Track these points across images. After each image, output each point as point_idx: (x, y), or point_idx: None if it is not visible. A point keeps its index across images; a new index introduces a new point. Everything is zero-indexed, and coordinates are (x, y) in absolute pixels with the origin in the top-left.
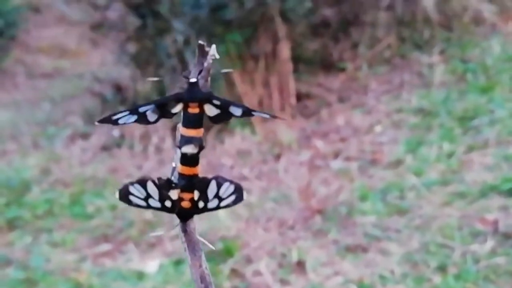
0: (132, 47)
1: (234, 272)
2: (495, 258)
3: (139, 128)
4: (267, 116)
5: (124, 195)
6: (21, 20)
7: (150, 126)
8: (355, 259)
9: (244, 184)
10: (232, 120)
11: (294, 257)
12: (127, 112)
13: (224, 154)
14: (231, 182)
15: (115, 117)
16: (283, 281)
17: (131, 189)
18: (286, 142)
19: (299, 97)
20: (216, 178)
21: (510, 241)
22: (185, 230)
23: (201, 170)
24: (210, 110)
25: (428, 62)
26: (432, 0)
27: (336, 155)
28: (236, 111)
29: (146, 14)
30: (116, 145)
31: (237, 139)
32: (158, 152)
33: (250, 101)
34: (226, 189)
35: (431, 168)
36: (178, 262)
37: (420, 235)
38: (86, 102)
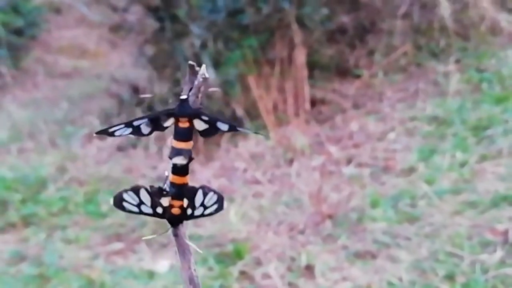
0: (150, 50)
1: (243, 274)
2: (504, 269)
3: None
4: (250, 132)
5: (118, 201)
6: (41, 20)
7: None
8: (364, 265)
9: (256, 188)
10: (246, 125)
11: (303, 261)
12: (122, 125)
13: (237, 157)
14: (215, 192)
15: (111, 130)
16: (291, 285)
17: (125, 196)
18: (299, 147)
19: (314, 102)
20: (202, 187)
21: None
22: (176, 234)
23: (190, 179)
24: (199, 125)
25: (443, 70)
26: (449, 9)
27: (348, 161)
28: (223, 126)
29: (164, 18)
30: (131, 146)
31: (251, 143)
32: None
33: (265, 106)
34: (210, 199)
35: (443, 177)
36: None
37: (429, 243)
38: (103, 102)
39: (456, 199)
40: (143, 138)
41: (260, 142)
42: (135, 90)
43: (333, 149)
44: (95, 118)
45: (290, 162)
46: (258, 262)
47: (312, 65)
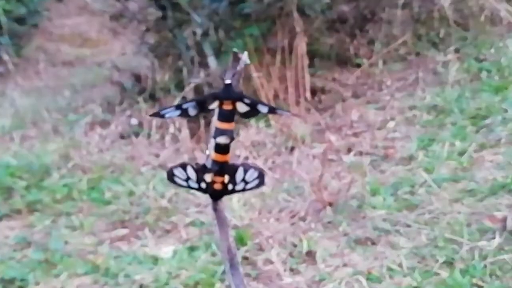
0: (151, 38)
1: (246, 260)
2: (502, 255)
3: (156, 118)
4: (289, 114)
5: (170, 176)
6: (43, 8)
7: None
8: (364, 252)
9: None
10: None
11: (305, 247)
12: (173, 108)
13: (239, 145)
14: (255, 168)
15: (162, 112)
16: (293, 270)
17: (175, 171)
18: (300, 135)
19: (314, 91)
20: (243, 165)
21: None
22: (215, 209)
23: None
24: (241, 107)
25: (443, 60)
26: None
27: (349, 149)
28: (263, 108)
29: (166, 6)
30: (134, 134)
31: (252, 131)
32: (175, 141)
33: (266, 95)
34: (251, 174)
35: (442, 165)
36: (192, 249)
37: (429, 230)
38: (105, 90)
39: (455, 187)
40: (145, 126)
41: (262, 131)
42: (137, 78)
43: (333, 137)
44: (97, 106)
45: (291, 150)
46: (260, 248)
47: (312, 54)
